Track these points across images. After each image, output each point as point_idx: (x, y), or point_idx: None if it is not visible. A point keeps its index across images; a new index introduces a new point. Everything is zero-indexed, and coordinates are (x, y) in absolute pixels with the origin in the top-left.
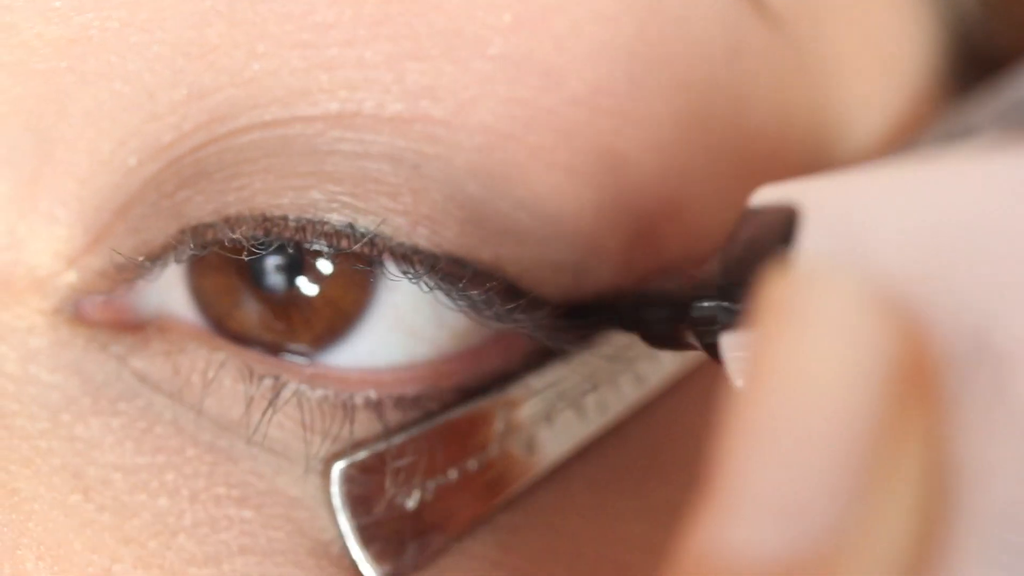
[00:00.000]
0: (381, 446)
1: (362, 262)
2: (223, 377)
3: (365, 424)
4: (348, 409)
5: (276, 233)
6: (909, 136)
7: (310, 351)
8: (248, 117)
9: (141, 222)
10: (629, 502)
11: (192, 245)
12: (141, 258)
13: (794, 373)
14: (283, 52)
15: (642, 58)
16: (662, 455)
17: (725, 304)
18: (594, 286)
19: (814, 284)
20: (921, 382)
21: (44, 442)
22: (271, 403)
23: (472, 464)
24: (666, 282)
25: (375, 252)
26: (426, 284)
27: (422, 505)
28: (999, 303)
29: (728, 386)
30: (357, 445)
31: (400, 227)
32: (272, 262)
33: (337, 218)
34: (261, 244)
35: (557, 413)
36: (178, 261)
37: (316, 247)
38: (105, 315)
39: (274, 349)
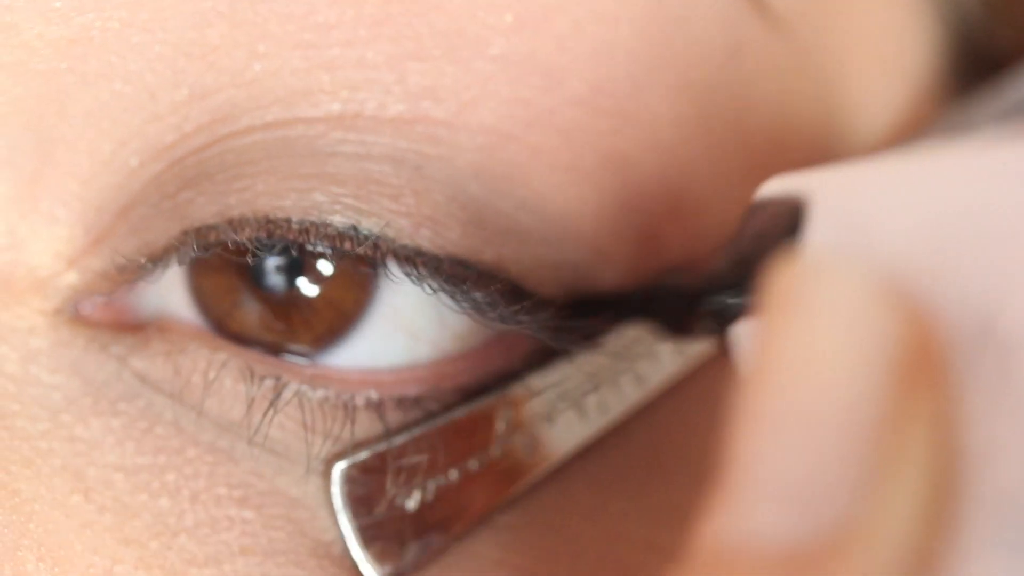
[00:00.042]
0: (382, 447)
1: (365, 264)
2: (224, 377)
3: (366, 425)
4: (349, 410)
5: (279, 235)
6: (910, 136)
7: (311, 351)
8: (249, 118)
9: (143, 223)
10: (630, 502)
11: (195, 247)
12: (143, 259)
13: (802, 362)
14: (284, 53)
15: (643, 58)
16: (663, 455)
17: (734, 296)
18: (598, 284)
19: (821, 274)
20: (928, 368)
21: (45, 443)
22: (272, 403)
23: (473, 464)
24: (675, 276)
25: (378, 254)
26: (430, 286)
27: (423, 506)
28: (1004, 290)
29: (736, 379)
30: (358, 446)
31: (403, 229)
32: (272, 263)
33: (340, 220)
34: (264, 246)
35: (558, 413)
36: (180, 263)
37: (319, 249)
38: (106, 315)
39: (275, 349)
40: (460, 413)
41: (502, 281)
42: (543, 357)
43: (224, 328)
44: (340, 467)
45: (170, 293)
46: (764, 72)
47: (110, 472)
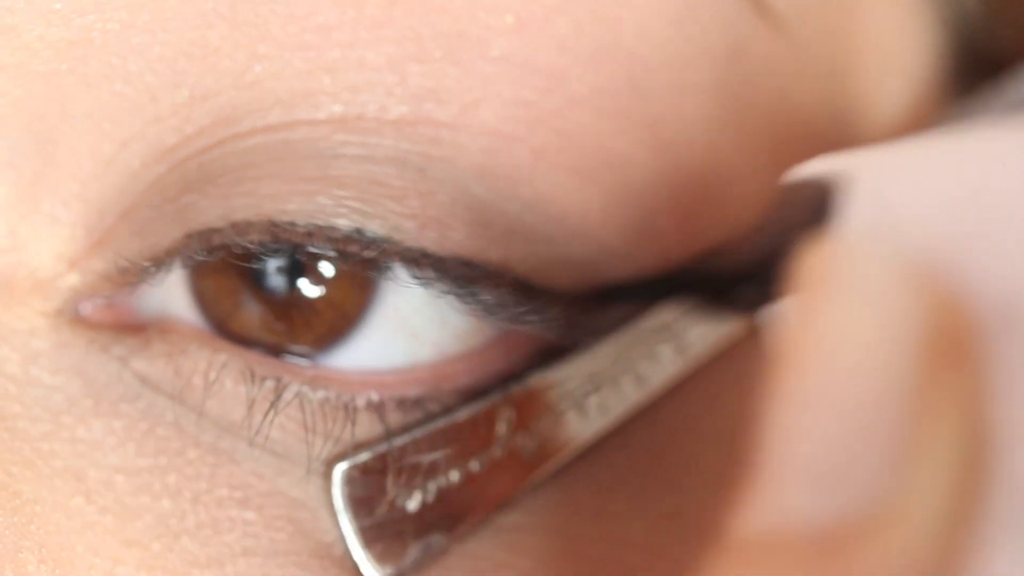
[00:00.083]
0: (383, 448)
1: (371, 268)
2: (225, 379)
3: (367, 426)
4: (350, 411)
5: (284, 239)
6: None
7: (312, 353)
8: (251, 120)
9: (145, 225)
10: (632, 503)
11: (199, 250)
12: (145, 262)
13: (833, 344)
14: (285, 54)
15: (643, 59)
16: (665, 457)
17: (764, 279)
18: (607, 278)
19: (850, 257)
20: (956, 349)
21: (46, 444)
22: (273, 405)
23: (474, 465)
24: (705, 261)
25: (384, 257)
26: (437, 289)
27: (424, 507)
28: None
29: (767, 360)
30: (359, 447)
31: (408, 231)
32: (274, 264)
33: (345, 223)
34: (269, 250)
35: (559, 414)
36: (184, 266)
37: (325, 252)
38: (107, 317)
39: (276, 351)
40: (461, 414)
41: (509, 281)
42: (544, 358)
43: (225, 329)
44: (341, 468)
45: (171, 294)
46: (766, 72)
47: (111, 474)
